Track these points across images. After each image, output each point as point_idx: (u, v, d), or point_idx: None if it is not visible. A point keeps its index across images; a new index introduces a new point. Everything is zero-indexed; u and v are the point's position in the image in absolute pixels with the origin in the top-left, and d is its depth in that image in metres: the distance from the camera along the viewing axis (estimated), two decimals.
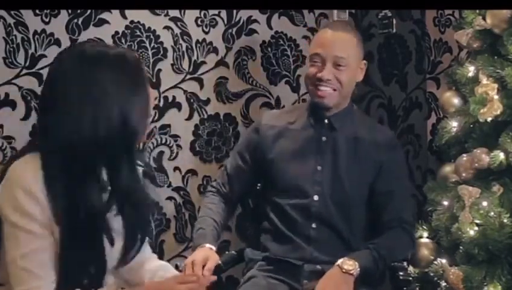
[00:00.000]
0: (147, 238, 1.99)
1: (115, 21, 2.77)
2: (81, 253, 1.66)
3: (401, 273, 2.38)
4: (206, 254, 2.25)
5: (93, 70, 1.62)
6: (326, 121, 2.41)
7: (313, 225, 2.36)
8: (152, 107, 1.75)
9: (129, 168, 1.67)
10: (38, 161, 1.63)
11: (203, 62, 2.93)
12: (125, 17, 2.79)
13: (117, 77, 1.63)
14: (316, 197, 2.36)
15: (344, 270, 2.21)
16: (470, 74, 2.56)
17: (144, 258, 1.94)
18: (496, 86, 2.41)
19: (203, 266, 2.20)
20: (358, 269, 2.22)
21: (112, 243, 1.70)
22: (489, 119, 2.40)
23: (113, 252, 1.74)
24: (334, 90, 2.35)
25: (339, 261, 2.23)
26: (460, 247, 2.46)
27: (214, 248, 2.32)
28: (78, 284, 1.68)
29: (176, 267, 2.23)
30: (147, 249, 1.97)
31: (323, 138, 2.41)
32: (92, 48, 1.68)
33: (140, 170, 1.78)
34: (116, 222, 1.72)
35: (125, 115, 1.63)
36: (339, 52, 2.33)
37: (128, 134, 1.64)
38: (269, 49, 3.05)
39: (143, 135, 1.69)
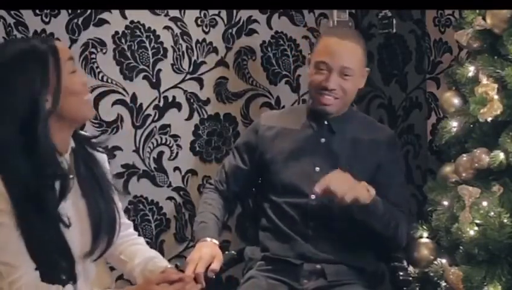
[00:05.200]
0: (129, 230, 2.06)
1: (115, 21, 2.77)
2: (41, 238, 1.71)
3: (401, 273, 2.38)
4: (213, 253, 2.26)
5: (3, 75, 1.70)
6: (326, 123, 2.42)
7: (311, 223, 2.37)
8: (84, 84, 1.82)
9: (42, 141, 1.72)
10: None
11: (203, 62, 2.93)
12: (125, 17, 2.79)
13: (21, 72, 1.70)
14: (313, 197, 2.37)
15: (362, 183, 2.22)
16: (470, 74, 2.56)
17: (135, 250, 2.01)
18: (495, 86, 2.40)
19: (209, 265, 2.20)
20: (373, 193, 2.22)
21: (67, 226, 1.75)
22: (489, 119, 2.40)
23: (77, 237, 1.79)
24: (337, 98, 2.36)
25: None
26: (460, 247, 2.46)
27: (217, 243, 2.33)
28: (57, 277, 1.73)
29: (176, 267, 2.23)
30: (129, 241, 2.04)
31: (322, 140, 2.42)
32: (1, 49, 1.77)
33: (104, 156, 1.95)
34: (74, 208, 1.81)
35: (31, 101, 1.69)
36: (346, 63, 2.34)
37: (35, 115, 1.70)
38: (269, 49, 3.06)
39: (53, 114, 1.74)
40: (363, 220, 2.26)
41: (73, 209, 1.80)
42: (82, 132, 1.94)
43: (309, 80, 2.42)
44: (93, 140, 1.95)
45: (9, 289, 1.68)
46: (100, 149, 1.95)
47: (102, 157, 1.96)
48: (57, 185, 1.75)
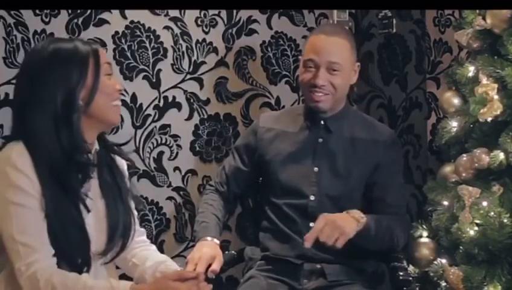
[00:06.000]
0: (140, 236, 2.09)
1: (115, 21, 2.77)
2: (64, 223, 1.77)
3: (401, 273, 2.38)
4: (214, 253, 2.26)
5: (43, 66, 1.80)
6: (322, 122, 2.42)
7: (311, 224, 2.37)
8: (117, 90, 1.90)
9: (71, 134, 1.80)
10: (22, 145, 1.76)
11: (203, 62, 2.94)
12: (125, 17, 2.79)
13: (62, 68, 1.80)
14: (312, 197, 2.37)
15: (351, 215, 2.24)
16: (470, 74, 2.56)
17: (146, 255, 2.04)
18: (495, 86, 2.41)
19: (209, 265, 2.21)
20: (364, 221, 2.24)
21: (87, 209, 1.82)
22: (489, 119, 2.40)
23: (93, 234, 1.83)
24: (328, 94, 2.36)
25: (345, 211, 2.26)
26: (460, 247, 2.46)
27: (218, 242, 2.33)
28: (73, 263, 1.79)
29: None
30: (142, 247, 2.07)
31: (320, 140, 2.42)
32: (46, 45, 1.84)
33: (124, 163, 2.02)
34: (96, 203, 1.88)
35: (68, 97, 1.78)
36: (332, 58, 2.34)
37: (70, 105, 1.79)
38: (269, 49, 3.06)
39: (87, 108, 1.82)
40: (356, 243, 2.26)
41: (92, 207, 1.84)
42: (107, 137, 1.99)
43: (299, 80, 2.44)
44: (116, 147, 2.00)
45: (26, 271, 1.72)
46: (124, 157, 2.00)
47: (122, 163, 2.01)
48: (81, 173, 1.82)
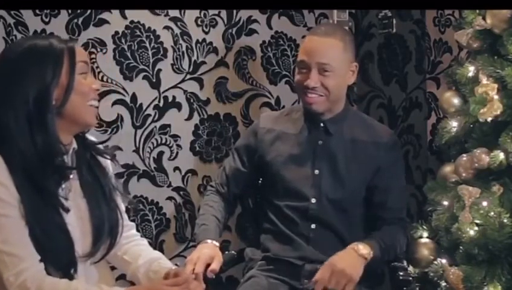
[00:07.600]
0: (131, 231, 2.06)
1: (115, 21, 2.77)
2: (45, 227, 1.73)
3: (401, 273, 2.38)
4: (212, 253, 2.26)
5: (16, 64, 1.75)
6: (321, 124, 2.42)
7: (312, 226, 2.37)
8: (93, 89, 1.83)
9: (46, 135, 1.75)
10: None
11: (203, 62, 2.94)
12: (125, 17, 2.79)
13: (35, 66, 1.74)
14: (313, 200, 2.37)
15: (359, 254, 2.24)
16: (470, 74, 2.56)
17: (139, 251, 2.01)
18: (495, 86, 2.40)
19: (207, 265, 2.21)
20: (371, 255, 2.25)
21: (66, 211, 1.77)
22: (489, 119, 2.40)
23: (78, 236, 1.80)
24: (322, 96, 2.35)
25: (353, 245, 2.25)
26: (460, 247, 2.46)
27: (217, 245, 2.33)
28: (59, 265, 1.76)
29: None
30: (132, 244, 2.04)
31: (320, 142, 2.42)
32: (21, 43, 1.82)
33: (108, 162, 1.97)
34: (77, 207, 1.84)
35: (40, 95, 1.73)
36: (322, 59, 2.32)
37: (44, 105, 1.74)
38: (269, 49, 3.06)
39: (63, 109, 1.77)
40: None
41: (74, 208, 1.81)
42: (88, 136, 1.95)
43: (294, 81, 2.44)
44: (99, 146, 1.96)
45: (15, 280, 1.69)
46: (106, 156, 1.96)
47: (105, 161, 1.97)
48: (57, 175, 1.77)
